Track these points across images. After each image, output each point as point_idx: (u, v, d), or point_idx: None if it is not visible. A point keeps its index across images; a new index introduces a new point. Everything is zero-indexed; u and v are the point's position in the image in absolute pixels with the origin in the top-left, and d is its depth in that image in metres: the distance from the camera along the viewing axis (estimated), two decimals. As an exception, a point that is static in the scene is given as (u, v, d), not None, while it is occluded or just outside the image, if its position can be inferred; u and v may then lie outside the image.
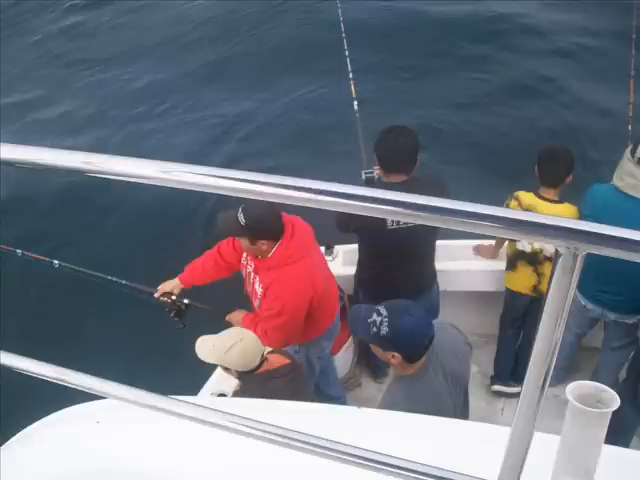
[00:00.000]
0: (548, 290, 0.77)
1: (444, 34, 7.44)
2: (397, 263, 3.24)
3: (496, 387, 3.81)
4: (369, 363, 3.92)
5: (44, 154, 0.89)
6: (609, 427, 0.98)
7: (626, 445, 3.18)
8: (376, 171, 3.20)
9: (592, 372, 3.55)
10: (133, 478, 1.43)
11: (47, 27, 8.65)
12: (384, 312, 2.20)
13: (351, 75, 3.97)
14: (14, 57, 7.87)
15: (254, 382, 2.64)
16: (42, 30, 8.57)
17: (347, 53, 4.11)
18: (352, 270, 3.54)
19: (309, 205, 0.79)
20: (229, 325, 2.99)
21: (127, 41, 8.06)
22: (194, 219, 5.38)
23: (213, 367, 2.96)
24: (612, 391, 0.97)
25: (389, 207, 0.76)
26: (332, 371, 3.59)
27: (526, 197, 3.30)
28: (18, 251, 3.55)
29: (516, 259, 3.43)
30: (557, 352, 0.80)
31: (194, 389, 3.06)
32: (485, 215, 0.73)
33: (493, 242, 3.70)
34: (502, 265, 3.56)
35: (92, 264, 3.50)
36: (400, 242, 3.14)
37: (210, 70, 7.37)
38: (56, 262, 3.46)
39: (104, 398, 1.13)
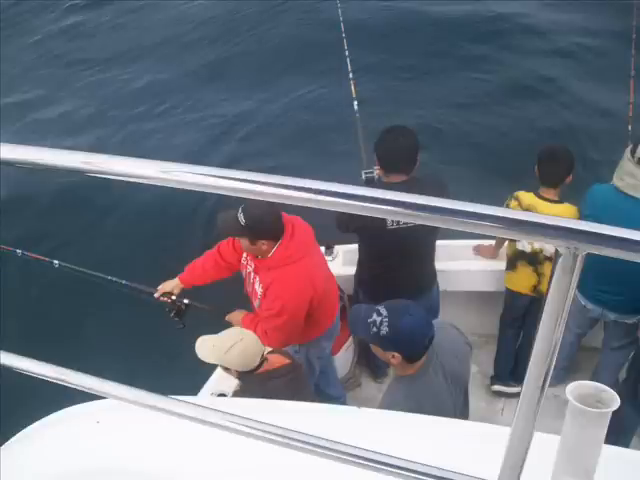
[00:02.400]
0: (548, 290, 0.77)
1: (444, 34, 7.44)
2: (397, 263, 3.24)
3: (496, 387, 3.81)
4: (369, 363, 3.92)
5: (44, 154, 0.89)
6: (609, 427, 0.98)
7: (626, 445, 3.18)
8: (376, 171, 3.20)
9: (592, 372, 3.55)
10: (133, 478, 1.43)
11: (47, 27, 8.65)
12: (384, 312, 2.20)
13: (351, 75, 3.97)
14: (14, 57, 7.87)
15: (254, 382, 2.64)
16: (42, 30, 8.56)
17: (347, 53, 4.11)
18: (352, 270, 3.54)
19: (309, 205, 0.79)
20: (229, 325, 2.99)
21: (127, 41, 8.06)
22: (194, 219, 5.38)
23: (213, 367, 2.96)
24: (612, 391, 0.97)
25: (389, 207, 0.76)
26: (332, 371, 3.59)
27: (526, 197, 3.30)
28: (18, 251, 3.55)
29: (516, 259, 3.43)
30: (557, 352, 0.80)
31: (194, 389, 3.06)
32: (485, 215, 0.73)
33: (493, 242, 3.70)
34: (502, 265, 3.56)
35: (92, 264, 3.50)
36: (400, 242, 3.14)
37: (210, 70, 7.37)
38: (56, 262, 3.46)
39: (104, 398, 1.13)
